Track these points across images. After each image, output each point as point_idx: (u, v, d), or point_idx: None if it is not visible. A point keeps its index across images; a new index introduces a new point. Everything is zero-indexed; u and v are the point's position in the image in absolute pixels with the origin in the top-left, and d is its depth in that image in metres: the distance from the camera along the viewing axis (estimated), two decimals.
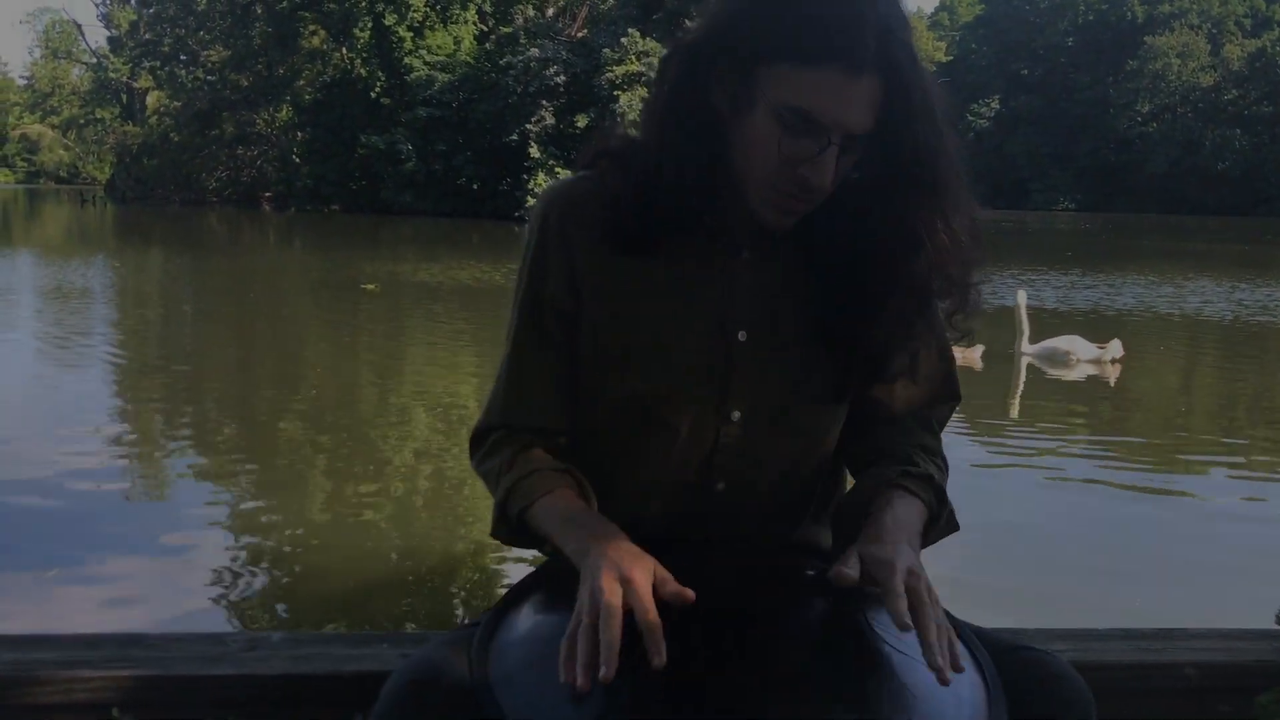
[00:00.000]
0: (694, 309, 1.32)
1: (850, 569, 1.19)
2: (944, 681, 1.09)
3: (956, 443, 5.77)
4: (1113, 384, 7.67)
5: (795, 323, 1.33)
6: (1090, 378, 7.84)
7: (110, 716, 1.68)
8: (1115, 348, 8.12)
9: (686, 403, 1.33)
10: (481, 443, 1.39)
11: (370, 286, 12.64)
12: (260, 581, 3.43)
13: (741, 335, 1.33)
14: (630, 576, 1.14)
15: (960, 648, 1.22)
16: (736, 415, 1.34)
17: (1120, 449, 5.95)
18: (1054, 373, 8.00)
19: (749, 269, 1.33)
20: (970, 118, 75.04)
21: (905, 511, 1.27)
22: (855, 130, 1.19)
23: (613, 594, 1.12)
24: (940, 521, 1.34)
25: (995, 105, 76.01)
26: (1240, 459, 5.57)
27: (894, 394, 1.41)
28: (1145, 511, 4.66)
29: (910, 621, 1.11)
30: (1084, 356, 8.12)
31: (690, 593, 1.15)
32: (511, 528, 1.32)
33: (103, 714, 1.69)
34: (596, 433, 1.38)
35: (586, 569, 1.17)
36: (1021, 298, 8.60)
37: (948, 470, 1.40)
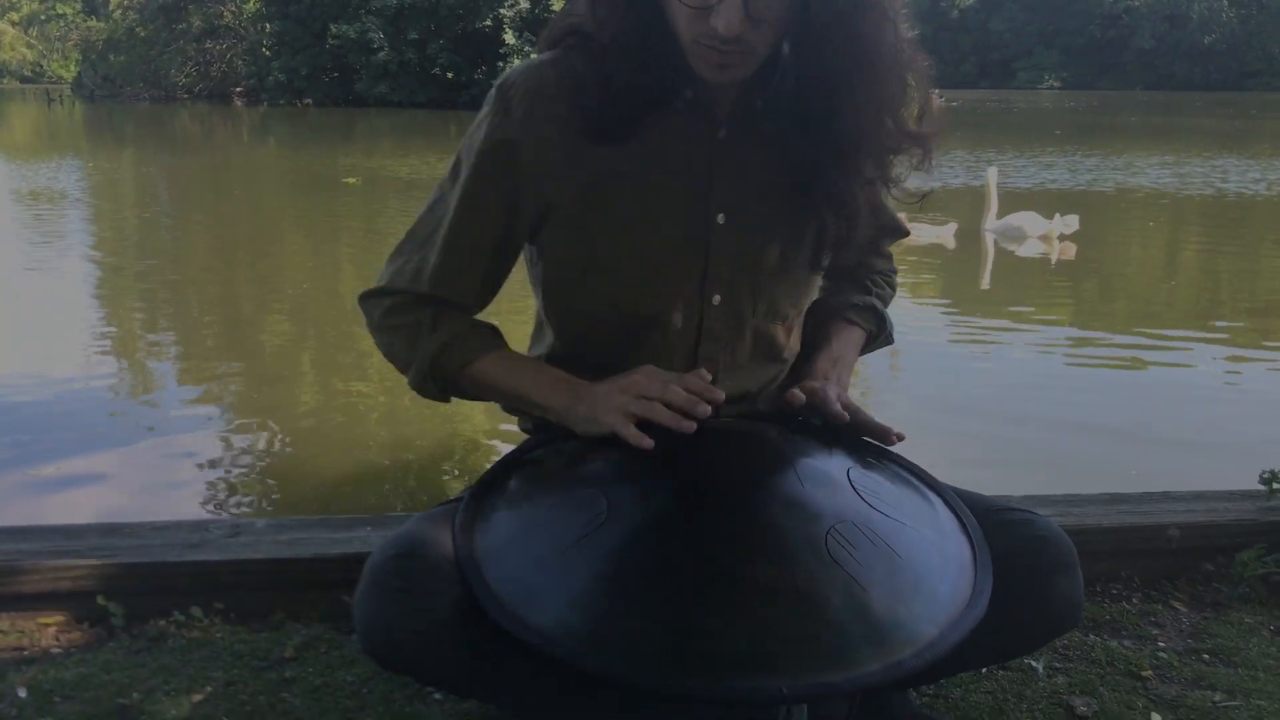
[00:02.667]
0: (672, 194, 1.30)
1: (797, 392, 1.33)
2: (889, 440, 1.30)
3: (932, 317, 5.81)
4: (1055, 260, 7.68)
5: (772, 202, 1.32)
6: (1042, 254, 7.86)
7: (96, 604, 1.68)
8: (1060, 223, 8.10)
9: (668, 289, 1.32)
10: (383, 298, 1.36)
11: (350, 180, 12.47)
12: (246, 472, 3.43)
13: (720, 218, 1.30)
14: (642, 369, 1.27)
15: (939, 500, 1.23)
16: (717, 299, 1.32)
17: (1095, 323, 5.97)
18: (1009, 248, 8.04)
19: (726, 149, 1.31)
20: None
21: (841, 344, 1.45)
22: None
23: (644, 375, 1.26)
24: (879, 339, 1.53)
25: None
26: (1220, 334, 5.58)
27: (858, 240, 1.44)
28: (1125, 381, 4.68)
29: (845, 412, 1.30)
30: (1033, 232, 8.14)
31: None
32: (438, 383, 1.34)
33: (88, 602, 1.69)
34: (581, 328, 1.37)
35: (594, 394, 1.26)
36: (991, 174, 8.62)
37: (894, 286, 1.57)
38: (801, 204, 1.32)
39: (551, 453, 1.30)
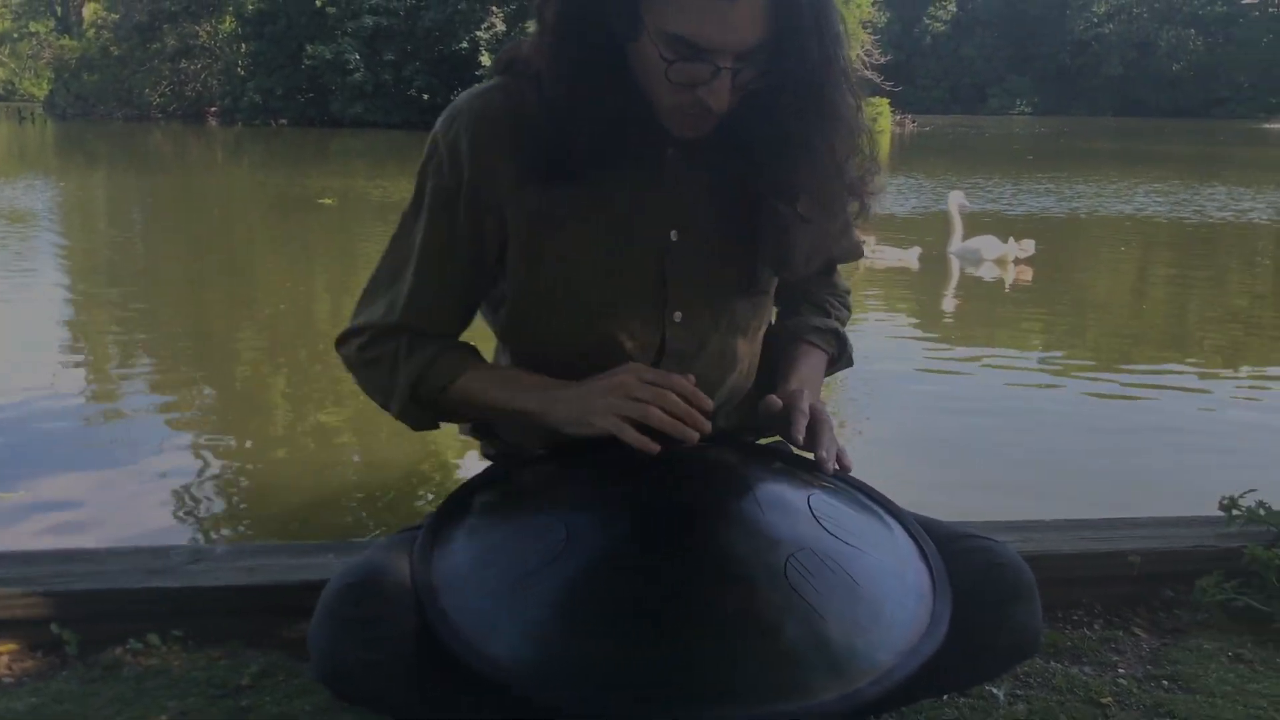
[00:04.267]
0: (625, 215, 1.31)
1: (774, 402, 1.33)
2: (826, 469, 1.27)
3: (895, 341, 5.84)
4: (1009, 284, 7.76)
5: (723, 219, 1.33)
6: (997, 277, 7.94)
7: (50, 633, 1.66)
8: (1015, 247, 8.17)
9: (629, 310, 1.32)
10: (358, 336, 1.37)
11: (327, 200, 12.43)
12: (210, 497, 3.39)
13: (674, 235, 1.31)
14: (630, 367, 1.26)
15: (898, 527, 1.23)
16: (678, 316, 1.33)
17: (1060, 348, 6.02)
18: (969, 271, 8.12)
19: (675, 167, 1.32)
20: (927, 21, 74.48)
21: (808, 368, 1.44)
22: (742, 48, 1.17)
23: (633, 377, 1.24)
24: (840, 361, 1.54)
25: (951, 8, 75.33)
26: (1184, 360, 5.63)
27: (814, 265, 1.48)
28: (1087, 407, 4.70)
29: (801, 437, 1.28)
30: (988, 256, 8.22)
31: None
32: (426, 409, 1.35)
33: (43, 629, 1.67)
34: (541, 350, 1.36)
35: (580, 394, 1.25)
36: (953, 199, 8.70)
37: (849, 306, 1.60)
38: (748, 224, 1.33)
39: (512, 479, 1.30)
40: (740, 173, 1.29)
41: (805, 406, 1.30)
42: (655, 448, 1.19)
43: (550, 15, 1.24)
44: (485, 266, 1.34)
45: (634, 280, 1.31)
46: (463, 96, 1.33)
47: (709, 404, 1.24)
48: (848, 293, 1.60)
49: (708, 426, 1.22)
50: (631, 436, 1.19)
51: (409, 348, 1.33)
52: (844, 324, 1.56)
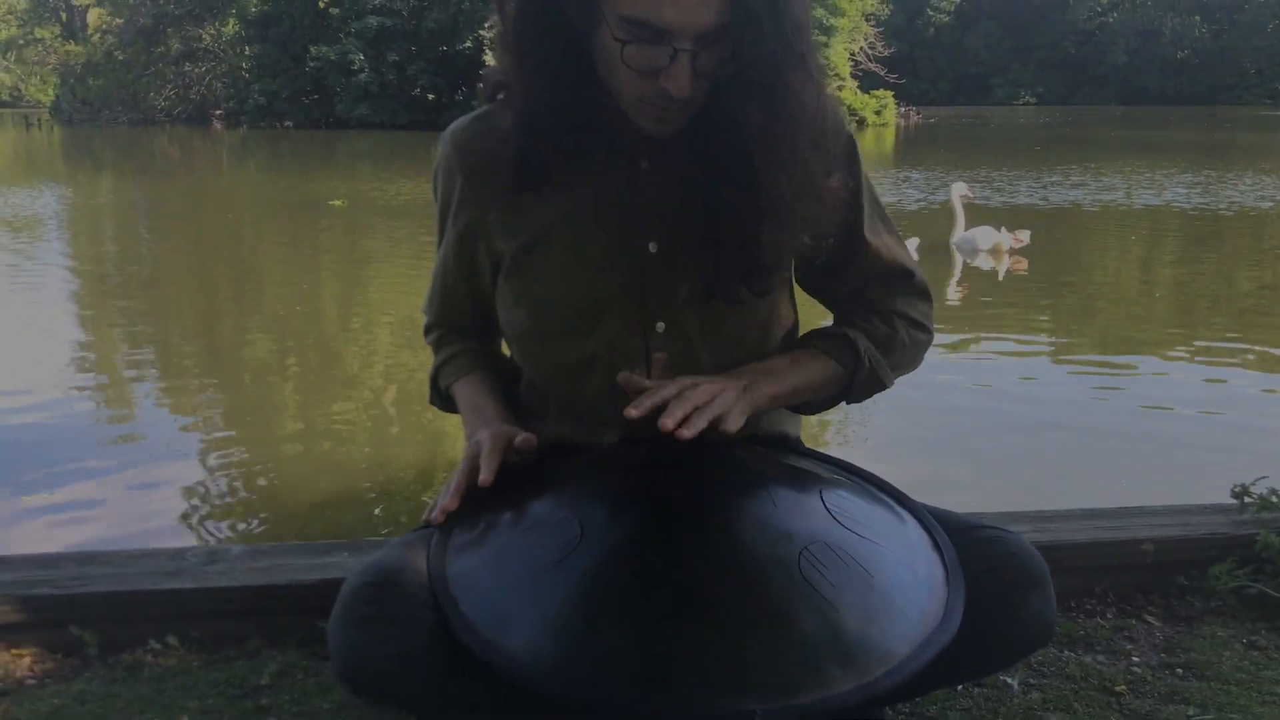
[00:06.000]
0: (602, 229, 1.32)
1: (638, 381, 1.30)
2: (665, 430, 1.20)
3: None
4: (1003, 273, 7.79)
5: (701, 226, 1.31)
6: (993, 267, 7.98)
7: (70, 634, 1.67)
8: (1007, 236, 8.20)
9: (610, 324, 1.33)
10: (426, 332, 1.55)
11: (337, 202, 12.50)
12: (224, 498, 3.41)
13: (652, 246, 1.32)
14: (480, 439, 1.30)
15: (908, 515, 1.23)
16: (661, 326, 1.33)
17: (1071, 337, 6.02)
18: (966, 260, 8.17)
19: (650, 180, 1.32)
20: (930, 12, 74.28)
21: (785, 361, 1.37)
22: (702, 29, 1.16)
23: (469, 454, 1.29)
24: (859, 375, 1.39)
25: None
26: (1195, 348, 5.61)
27: (841, 286, 1.43)
28: (1100, 396, 4.71)
29: (682, 430, 1.21)
30: (983, 246, 8.25)
31: (531, 436, 1.29)
32: (444, 400, 1.50)
33: (63, 632, 1.68)
34: (538, 363, 1.39)
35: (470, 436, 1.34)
36: (955, 190, 8.74)
37: (911, 334, 1.43)
38: (728, 231, 1.30)
39: (527, 475, 1.30)
40: (712, 176, 1.27)
41: (659, 389, 1.25)
42: (433, 517, 1.25)
43: (511, 7, 1.25)
44: (483, 280, 1.41)
45: (615, 294, 1.32)
46: (456, 122, 1.40)
47: (531, 440, 1.29)
48: (915, 322, 1.45)
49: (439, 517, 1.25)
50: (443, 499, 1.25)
51: (438, 343, 1.50)
52: (883, 342, 1.41)
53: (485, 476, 1.23)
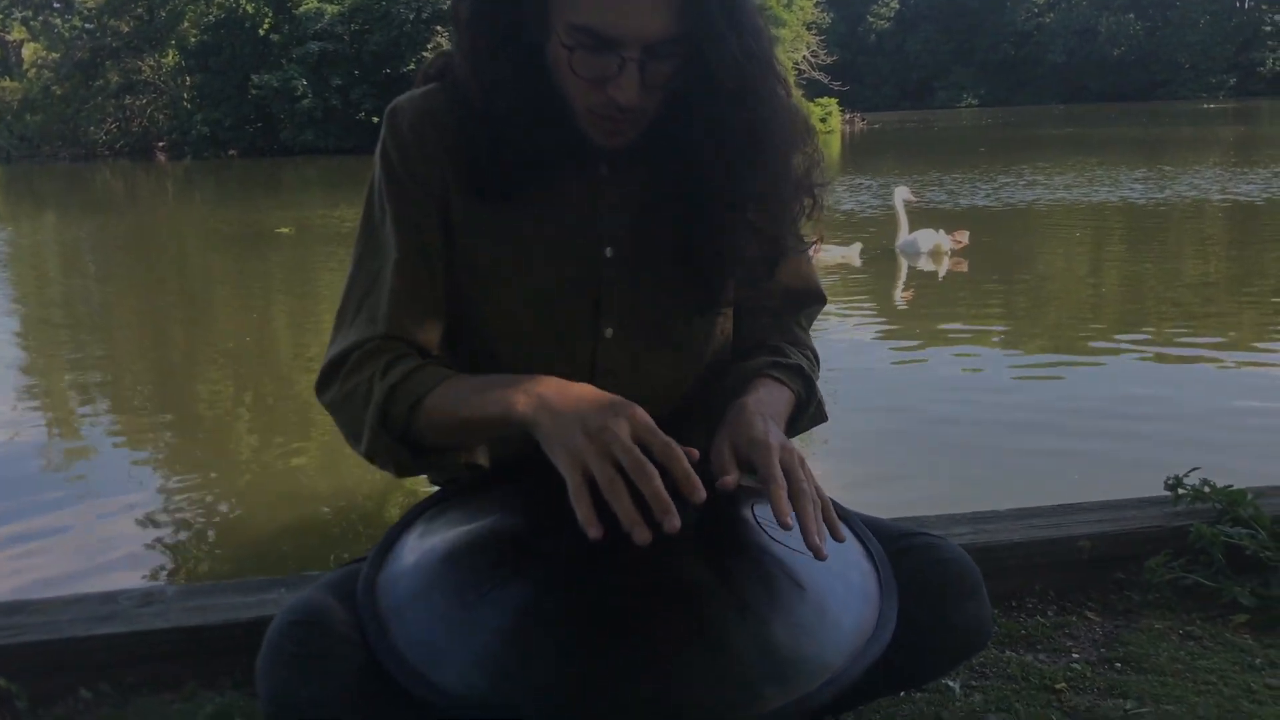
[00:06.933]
0: (559, 231, 1.29)
1: (731, 474, 1.17)
2: (820, 557, 1.10)
3: (847, 337, 5.88)
4: (942, 274, 7.88)
5: (660, 235, 1.30)
6: (933, 270, 8.05)
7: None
8: (946, 239, 8.30)
9: (559, 326, 1.30)
10: (343, 364, 1.25)
11: (285, 230, 12.39)
12: (173, 537, 3.36)
13: (608, 251, 1.30)
14: (631, 414, 1.05)
15: (845, 529, 1.23)
16: (610, 332, 1.31)
17: (1011, 336, 6.09)
18: (909, 264, 8.23)
19: (609, 184, 1.30)
20: (870, 19, 75.11)
21: (769, 395, 1.29)
22: (650, 39, 1.15)
23: (625, 432, 1.04)
24: (809, 410, 1.37)
25: (894, 4, 76.06)
26: (1131, 342, 5.70)
27: (760, 298, 1.40)
28: (1034, 394, 4.76)
29: (791, 520, 1.11)
30: (924, 248, 8.34)
31: (695, 451, 1.08)
32: (393, 433, 1.21)
33: None
34: (478, 368, 1.34)
35: (554, 414, 1.08)
36: (898, 194, 8.80)
37: (819, 363, 1.43)
38: (689, 241, 1.30)
39: (454, 504, 1.29)
40: (679, 183, 1.27)
41: (776, 467, 1.13)
42: (597, 533, 1.02)
43: (464, 13, 1.24)
44: (439, 262, 1.28)
45: (566, 298, 1.30)
46: (402, 96, 1.32)
47: (700, 495, 1.05)
48: (815, 354, 1.44)
49: (677, 524, 1.02)
50: (582, 510, 1.03)
51: (385, 369, 1.21)
52: (811, 373, 1.39)
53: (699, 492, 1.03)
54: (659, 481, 1.01)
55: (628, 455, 1.03)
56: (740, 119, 1.21)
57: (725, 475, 1.17)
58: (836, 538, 1.13)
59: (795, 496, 1.13)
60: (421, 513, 1.29)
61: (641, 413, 1.07)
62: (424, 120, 1.28)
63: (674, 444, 1.05)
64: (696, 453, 1.09)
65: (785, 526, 1.12)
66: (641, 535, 1.00)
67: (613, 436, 1.04)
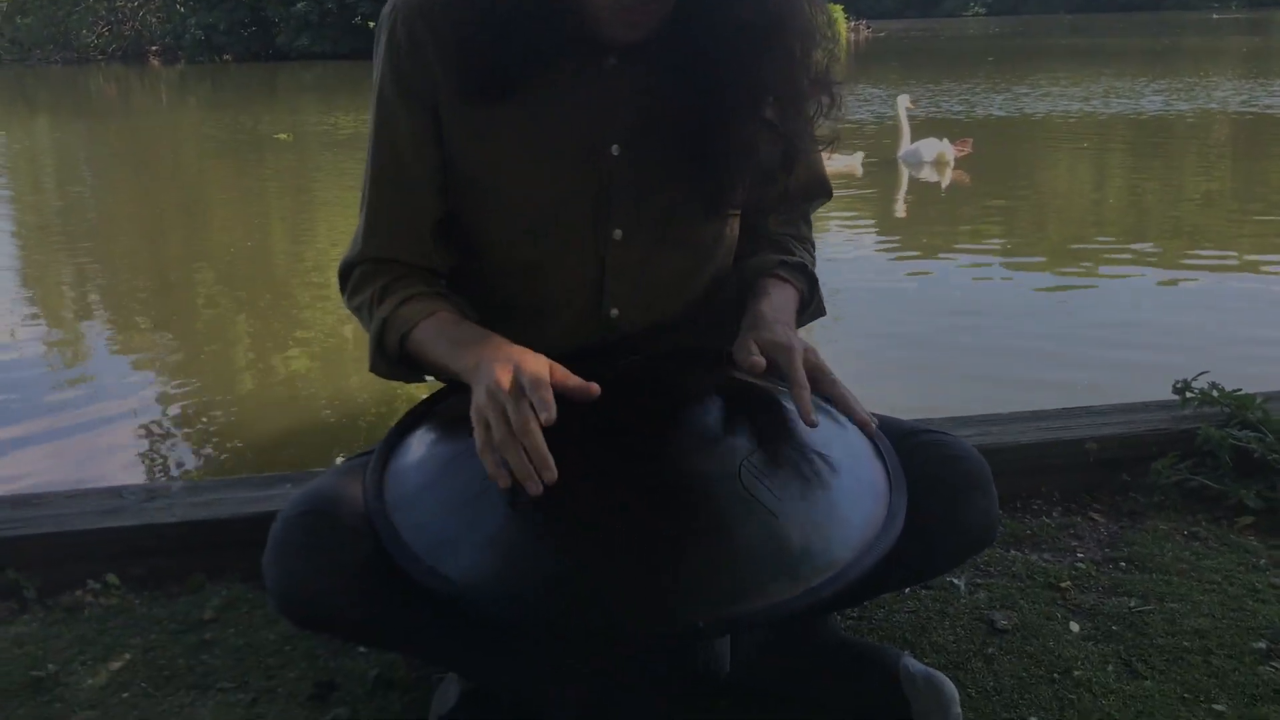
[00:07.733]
0: (564, 128, 1.25)
1: (757, 355, 1.20)
2: (869, 431, 1.19)
3: (852, 245, 5.84)
4: (945, 185, 7.81)
5: (670, 130, 1.26)
6: (936, 180, 7.99)
7: (7, 578, 1.64)
8: (949, 148, 8.20)
9: (566, 227, 1.28)
10: (348, 278, 1.31)
11: (283, 135, 12.24)
12: (175, 438, 3.38)
13: (615, 149, 1.26)
14: (530, 370, 1.09)
15: (854, 428, 1.22)
16: (619, 234, 1.29)
17: (1017, 247, 6.05)
18: (914, 175, 8.15)
19: (617, 78, 1.25)
20: None
21: (781, 298, 1.32)
22: None
23: (514, 391, 1.08)
24: (811, 306, 1.40)
25: None
26: (1139, 253, 5.66)
27: (771, 192, 1.38)
28: (1047, 302, 4.75)
29: (816, 418, 1.15)
30: (927, 158, 8.24)
31: (595, 386, 1.12)
32: (391, 360, 1.27)
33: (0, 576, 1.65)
34: (482, 273, 1.32)
35: (479, 375, 1.11)
36: (901, 103, 8.70)
37: (815, 258, 1.45)
38: (702, 137, 1.26)
39: (463, 399, 1.28)
40: (694, 79, 1.22)
41: (800, 369, 1.17)
42: (506, 483, 1.04)
43: None
44: (436, 172, 1.27)
45: (573, 198, 1.26)
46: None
47: (594, 390, 1.11)
48: (813, 244, 1.46)
49: (553, 477, 1.04)
50: (490, 466, 1.05)
51: (382, 294, 1.26)
52: (811, 268, 1.41)
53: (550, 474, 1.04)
54: (536, 438, 1.04)
55: (515, 415, 1.06)
56: (758, 5, 1.17)
57: (754, 362, 1.19)
58: (867, 427, 1.19)
59: (830, 385, 1.19)
60: (429, 407, 1.28)
61: (531, 369, 1.09)
62: (419, 21, 1.23)
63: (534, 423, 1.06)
64: (597, 388, 1.12)
65: (811, 424, 1.14)
66: (534, 488, 1.03)
67: (507, 397, 1.07)
